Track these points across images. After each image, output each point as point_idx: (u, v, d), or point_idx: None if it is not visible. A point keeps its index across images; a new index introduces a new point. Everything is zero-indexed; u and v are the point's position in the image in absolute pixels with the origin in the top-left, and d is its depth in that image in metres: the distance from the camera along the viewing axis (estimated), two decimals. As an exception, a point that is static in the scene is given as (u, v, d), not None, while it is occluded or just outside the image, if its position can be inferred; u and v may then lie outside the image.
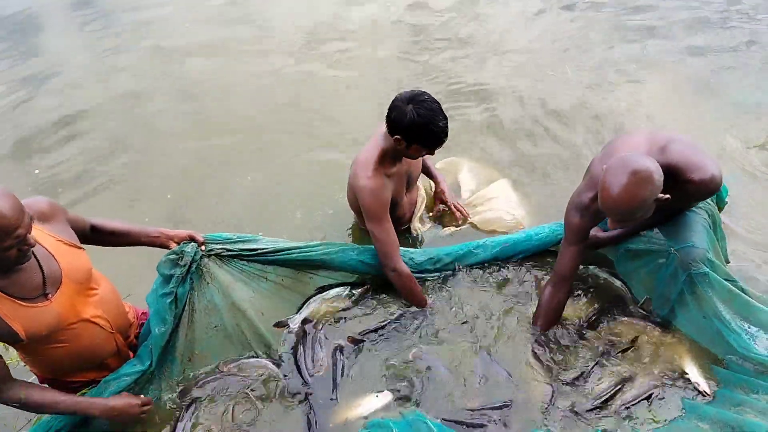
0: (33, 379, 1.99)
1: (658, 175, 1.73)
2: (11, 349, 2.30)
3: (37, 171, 3.83)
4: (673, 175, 1.83)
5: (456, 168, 3.17)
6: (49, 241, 1.69)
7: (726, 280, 2.00)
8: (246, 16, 5.85)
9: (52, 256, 1.67)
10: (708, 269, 1.97)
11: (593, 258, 2.38)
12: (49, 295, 1.65)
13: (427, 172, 2.81)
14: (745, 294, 2.01)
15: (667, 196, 1.76)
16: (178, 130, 4.15)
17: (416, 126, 2.02)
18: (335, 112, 4.14)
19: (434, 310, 2.29)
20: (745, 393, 1.83)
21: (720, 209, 2.30)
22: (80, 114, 4.43)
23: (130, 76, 4.97)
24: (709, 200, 2.16)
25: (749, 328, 1.96)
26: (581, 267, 2.33)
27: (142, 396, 1.92)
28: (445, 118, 2.06)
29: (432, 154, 2.19)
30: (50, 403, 1.73)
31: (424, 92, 2.08)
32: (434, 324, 2.23)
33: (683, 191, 1.86)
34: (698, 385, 1.94)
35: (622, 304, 2.25)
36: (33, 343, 1.68)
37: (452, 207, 2.75)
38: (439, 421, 1.84)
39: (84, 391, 1.91)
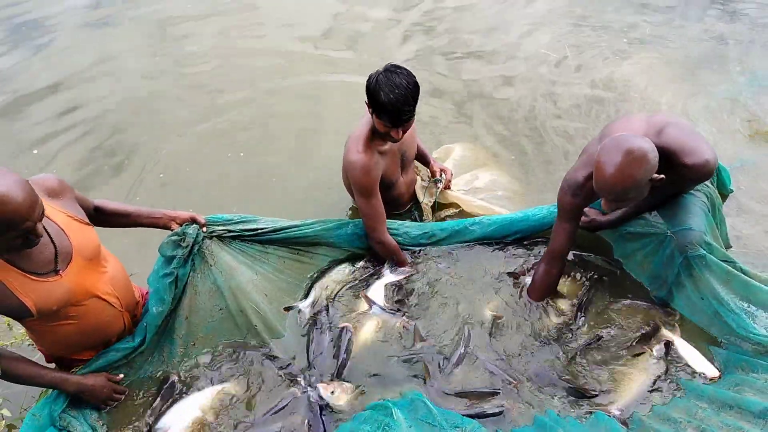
0: (38, 357, 2.02)
1: (653, 156, 1.72)
2: (16, 327, 2.34)
3: (35, 151, 3.83)
4: (669, 158, 1.82)
5: (447, 154, 3.13)
6: (60, 217, 1.70)
7: (725, 261, 1.99)
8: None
9: (63, 231, 1.68)
10: (705, 252, 1.96)
11: (590, 245, 2.37)
12: (60, 270, 1.66)
13: (420, 157, 2.77)
14: (746, 274, 1.99)
15: (662, 176, 1.75)
16: (181, 113, 4.12)
17: (372, 91, 2.03)
18: (338, 98, 4.11)
19: (427, 283, 2.30)
20: (745, 373, 1.83)
21: (724, 197, 2.29)
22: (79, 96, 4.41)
23: (131, 57, 4.91)
24: (708, 183, 2.15)
25: (749, 307, 1.95)
26: (581, 253, 2.36)
27: (120, 376, 1.93)
28: (406, 95, 1.99)
29: (390, 132, 2.09)
30: (26, 375, 1.74)
31: (403, 67, 2.06)
32: (427, 299, 2.26)
33: (679, 174, 1.85)
34: (705, 374, 1.90)
35: (619, 288, 2.24)
36: (42, 319, 1.69)
37: (444, 174, 2.71)
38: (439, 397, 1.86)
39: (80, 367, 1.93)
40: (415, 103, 2.06)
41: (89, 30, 5.45)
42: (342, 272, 2.33)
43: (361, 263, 2.37)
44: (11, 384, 1.80)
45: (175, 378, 2.00)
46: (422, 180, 2.78)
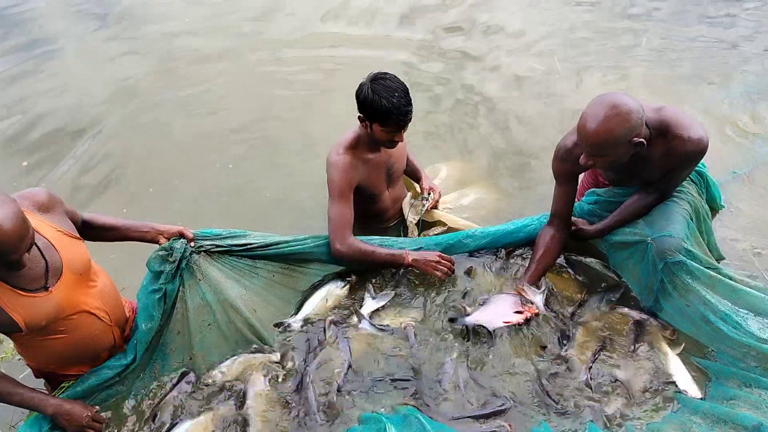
0: (27, 372, 1.99)
1: (637, 116, 1.76)
2: (5, 342, 2.32)
3: (24, 164, 3.80)
4: (665, 131, 1.87)
5: (434, 173, 3.12)
6: (50, 231, 1.68)
7: (708, 268, 1.98)
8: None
9: (53, 246, 1.67)
10: (684, 258, 1.96)
11: (591, 252, 2.37)
12: (50, 286, 1.65)
13: (412, 173, 2.75)
14: (732, 280, 1.98)
15: (642, 140, 1.79)
16: (173, 125, 4.11)
17: (369, 101, 2.03)
18: (333, 108, 4.10)
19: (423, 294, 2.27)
20: (738, 387, 1.81)
21: (715, 212, 2.31)
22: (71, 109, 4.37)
23: (123, 67, 4.89)
24: (695, 193, 2.16)
25: (738, 311, 1.92)
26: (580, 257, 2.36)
27: (96, 408, 1.85)
28: (404, 97, 2.04)
29: (394, 137, 2.13)
30: (6, 393, 1.70)
31: (388, 73, 2.08)
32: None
33: (672, 149, 1.88)
34: (687, 392, 1.87)
35: (615, 293, 2.23)
36: (31, 334, 1.67)
37: (432, 192, 2.65)
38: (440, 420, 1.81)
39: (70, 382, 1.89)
40: (411, 104, 2.09)
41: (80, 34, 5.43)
42: (333, 288, 2.28)
43: (353, 278, 2.32)
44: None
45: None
46: (411, 197, 2.74)
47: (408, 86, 2.11)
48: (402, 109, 2.04)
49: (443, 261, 2.20)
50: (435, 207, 2.67)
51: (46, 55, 5.12)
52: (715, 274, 1.98)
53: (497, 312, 2.11)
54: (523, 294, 2.16)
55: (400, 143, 2.24)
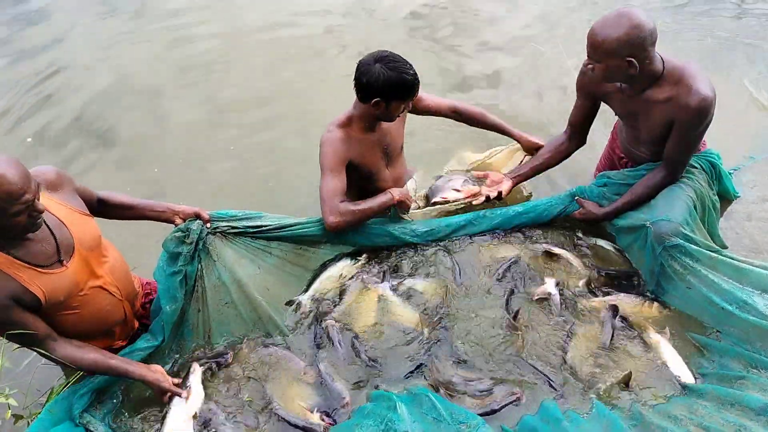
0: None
1: (640, 35, 1.81)
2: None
3: (29, 140, 3.77)
4: (677, 80, 1.92)
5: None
6: (59, 209, 1.68)
7: (708, 250, 2.00)
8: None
9: (64, 224, 1.67)
10: (681, 241, 1.98)
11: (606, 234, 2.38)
12: (64, 261, 1.67)
13: (503, 132, 2.63)
14: (734, 260, 1.99)
15: (635, 62, 1.84)
16: (180, 107, 4.06)
17: (391, 82, 2.03)
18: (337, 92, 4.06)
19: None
20: (745, 368, 1.82)
21: (729, 202, 2.34)
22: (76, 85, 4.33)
23: (131, 49, 4.83)
24: (703, 181, 2.17)
25: (744, 288, 1.92)
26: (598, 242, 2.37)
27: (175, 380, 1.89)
28: (411, 66, 2.08)
29: (407, 107, 2.18)
30: (114, 367, 1.78)
31: (385, 50, 2.10)
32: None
33: (674, 97, 1.92)
34: (680, 378, 1.86)
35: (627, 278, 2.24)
36: (48, 310, 1.68)
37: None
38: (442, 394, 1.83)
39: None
40: None
41: (90, 18, 5.32)
42: (344, 266, 2.29)
43: (363, 257, 2.32)
44: (15, 374, 1.82)
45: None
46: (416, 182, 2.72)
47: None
48: (417, 77, 2.08)
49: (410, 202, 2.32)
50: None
51: (53, 40, 5.03)
52: (716, 255, 2.00)
53: (447, 185, 2.49)
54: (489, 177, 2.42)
55: (393, 123, 2.26)
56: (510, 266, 2.27)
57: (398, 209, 2.35)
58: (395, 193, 2.25)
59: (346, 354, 2.02)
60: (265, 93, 4.09)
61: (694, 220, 2.08)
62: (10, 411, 2.01)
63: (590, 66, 1.96)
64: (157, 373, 1.84)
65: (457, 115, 2.60)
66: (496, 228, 2.39)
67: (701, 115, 1.92)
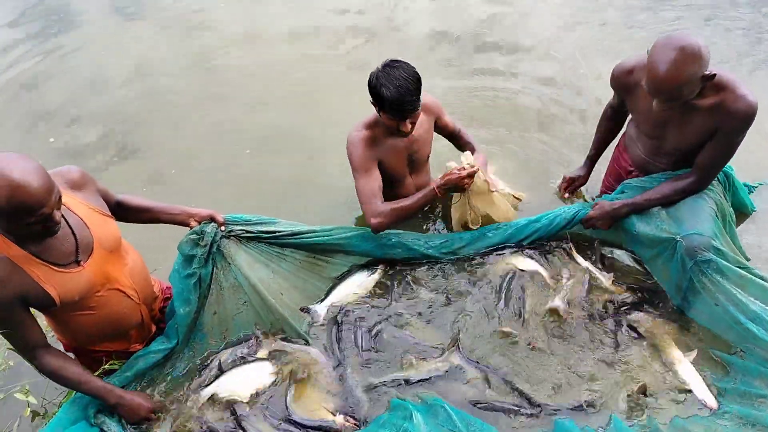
0: (59, 348, 2.02)
1: (706, 51, 1.75)
2: (38, 318, 2.35)
3: (51, 140, 3.81)
4: (721, 87, 1.87)
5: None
6: (81, 209, 1.68)
7: (738, 267, 1.94)
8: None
9: (85, 223, 1.67)
10: (714, 256, 1.91)
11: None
12: (81, 261, 1.65)
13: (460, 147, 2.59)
14: (763, 280, 1.93)
15: (715, 72, 1.78)
16: (194, 104, 4.08)
17: (373, 88, 2.03)
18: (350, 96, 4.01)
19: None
20: (767, 386, 1.77)
21: (744, 216, 2.27)
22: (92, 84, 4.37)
23: (145, 45, 4.87)
24: (720, 192, 2.13)
25: None
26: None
27: (158, 400, 1.89)
28: (408, 87, 1.98)
29: (399, 127, 2.08)
30: (77, 381, 1.74)
31: (400, 60, 2.05)
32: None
33: (720, 103, 1.87)
34: (705, 402, 1.81)
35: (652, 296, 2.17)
36: (64, 309, 1.68)
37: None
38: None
39: (112, 362, 1.92)
40: (418, 93, 2.03)
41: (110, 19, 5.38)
42: (361, 277, 2.27)
43: (380, 268, 2.30)
44: (35, 374, 1.81)
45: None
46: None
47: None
48: (402, 99, 1.98)
49: (463, 172, 2.16)
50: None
51: (68, 29, 5.10)
52: (746, 274, 1.93)
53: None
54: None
55: (422, 132, 2.20)
56: (512, 279, 2.22)
57: (454, 193, 2.27)
58: (437, 185, 2.17)
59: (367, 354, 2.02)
60: (287, 97, 4.11)
61: (721, 232, 2.02)
62: (29, 408, 2.04)
63: (664, 107, 1.87)
64: (139, 398, 1.84)
65: (455, 141, 2.57)
66: (509, 239, 2.33)
67: (748, 121, 1.88)
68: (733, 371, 1.88)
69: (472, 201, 2.28)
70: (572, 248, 2.33)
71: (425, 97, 2.24)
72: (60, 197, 1.49)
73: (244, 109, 3.99)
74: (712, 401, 1.80)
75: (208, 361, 2.03)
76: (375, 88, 2.03)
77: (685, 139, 2.04)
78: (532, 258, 2.30)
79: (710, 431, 1.66)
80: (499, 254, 2.33)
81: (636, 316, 2.10)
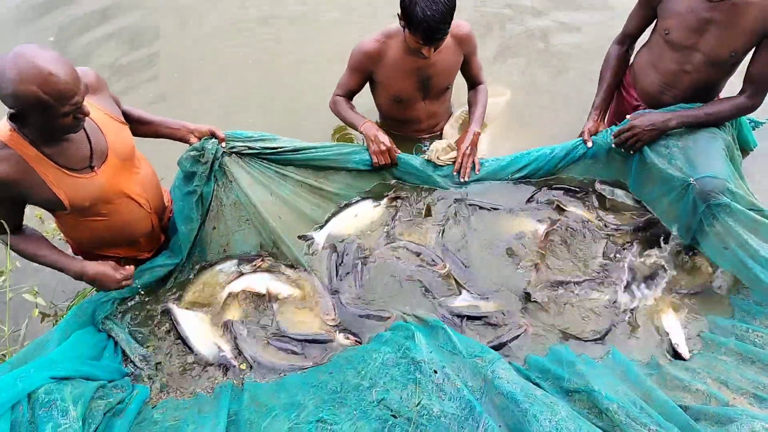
0: (68, 250, 2.01)
1: None
2: (47, 222, 2.37)
3: (51, 39, 3.62)
4: None
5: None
6: (97, 114, 1.64)
7: (752, 210, 1.86)
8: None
9: (100, 129, 1.64)
10: (728, 200, 1.84)
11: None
12: (95, 167, 1.64)
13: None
14: None
15: None
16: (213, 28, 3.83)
17: (406, 6, 1.92)
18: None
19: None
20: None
21: (746, 152, 2.17)
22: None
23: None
24: (730, 132, 2.03)
25: None
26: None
27: (126, 268, 1.74)
28: (442, 13, 1.87)
29: (421, 49, 2.00)
30: (33, 254, 1.69)
31: None
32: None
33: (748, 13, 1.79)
34: (677, 346, 1.77)
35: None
36: (74, 214, 1.68)
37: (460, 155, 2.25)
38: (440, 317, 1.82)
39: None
40: (451, 21, 1.92)
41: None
42: (365, 206, 2.21)
43: (384, 200, 2.23)
44: (44, 275, 1.84)
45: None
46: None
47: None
48: (433, 24, 1.88)
49: (386, 151, 2.12)
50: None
51: None
52: (759, 218, 1.86)
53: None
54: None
55: (446, 60, 2.11)
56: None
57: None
58: (364, 126, 2.17)
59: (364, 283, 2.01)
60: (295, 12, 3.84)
61: (733, 173, 1.94)
62: (37, 309, 2.10)
63: None
64: (103, 266, 1.71)
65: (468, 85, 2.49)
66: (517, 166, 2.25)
67: None
68: (737, 311, 1.87)
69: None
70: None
71: (464, 28, 2.16)
72: (87, 86, 1.47)
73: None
74: (685, 351, 1.77)
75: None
76: (409, 4, 1.89)
77: (724, 45, 1.90)
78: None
79: (711, 367, 1.66)
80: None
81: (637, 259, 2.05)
